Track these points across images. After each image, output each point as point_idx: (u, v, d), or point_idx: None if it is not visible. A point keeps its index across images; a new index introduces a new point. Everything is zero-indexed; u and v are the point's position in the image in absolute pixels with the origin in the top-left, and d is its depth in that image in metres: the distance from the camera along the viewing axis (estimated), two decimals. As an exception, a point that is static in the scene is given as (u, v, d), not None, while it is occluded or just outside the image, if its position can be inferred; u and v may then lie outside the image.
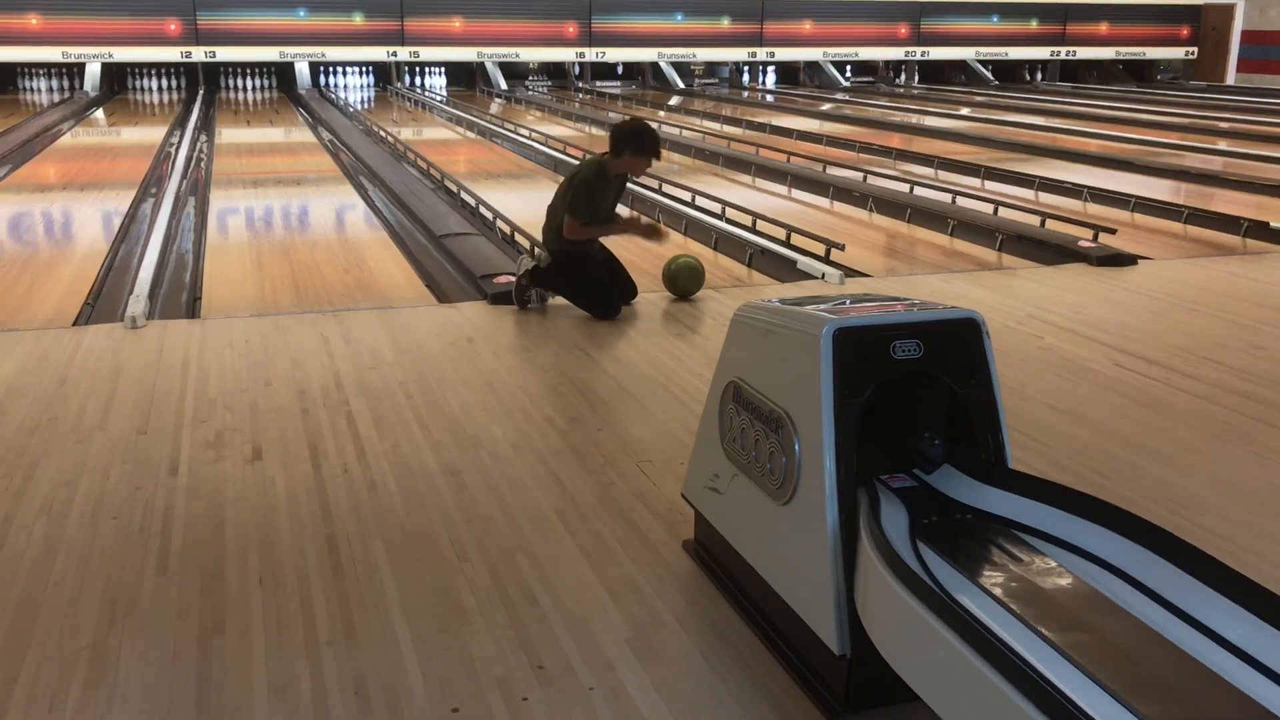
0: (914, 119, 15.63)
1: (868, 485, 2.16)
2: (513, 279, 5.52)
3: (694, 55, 20.73)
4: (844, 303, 2.52)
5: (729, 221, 7.37)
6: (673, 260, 5.47)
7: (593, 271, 5.16)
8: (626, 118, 5.20)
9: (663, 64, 20.38)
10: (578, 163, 5.41)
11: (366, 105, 17.42)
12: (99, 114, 15.83)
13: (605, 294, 5.10)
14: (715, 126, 14.14)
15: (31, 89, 18.26)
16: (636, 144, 4.95)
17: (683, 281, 5.39)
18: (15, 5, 17.24)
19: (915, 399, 2.33)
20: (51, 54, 17.68)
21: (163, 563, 2.74)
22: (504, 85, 19.59)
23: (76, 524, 2.95)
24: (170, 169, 10.10)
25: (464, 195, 8.48)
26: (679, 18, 20.16)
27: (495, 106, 17.33)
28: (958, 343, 2.26)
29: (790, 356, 2.26)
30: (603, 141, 12.40)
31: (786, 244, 6.68)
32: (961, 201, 8.10)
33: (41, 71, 18.24)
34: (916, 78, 22.48)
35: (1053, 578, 1.90)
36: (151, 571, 2.69)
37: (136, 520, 2.97)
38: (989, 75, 22.47)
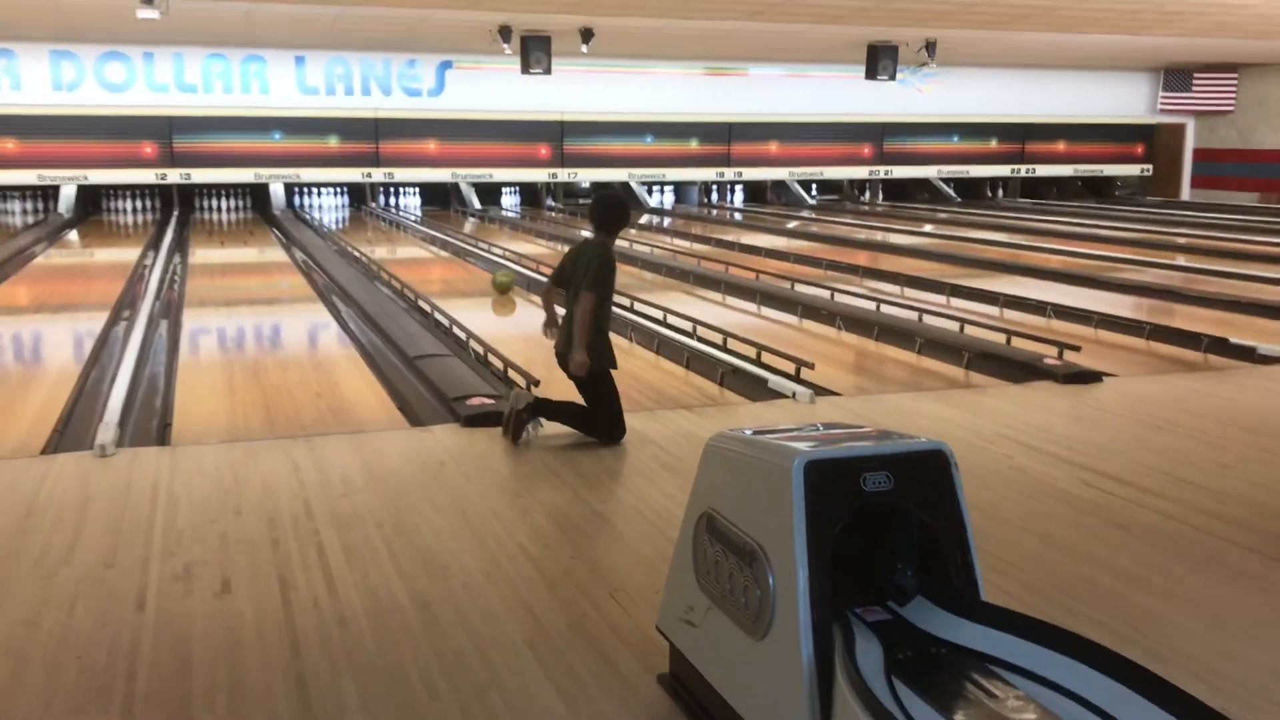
0: (879, 236, 15.96)
1: (842, 619, 2.17)
2: (486, 401, 5.54)
3: (664, 175, 21.17)
4: (814, 432, 2.56)
5: (700, 340, 7.45)
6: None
7: (612, 392, 5.05)
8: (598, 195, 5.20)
9: (633, 184, 20.78)
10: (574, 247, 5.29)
11: (341, 225, 17.61)
12: (73, 235, 15.92)
13: (618, 421, 5.04)
14: (685, 244, 14.38)
15: (5, 211, 18.35)
16: (614, 221, 5.03)
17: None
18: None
19: (886, 530, 2.35)
20: (26, 177, 17.83)
21: (128, 708, 2.68)
22: (478, 204, 19.90)
23: (39, 665, 2.89)
24: (144, 290, 10.13)
25: (437, 315, 8.54)
26: (649, 139, 20.64)
27: (469, 225, 17.58)
28: (927, 474, 2.29)
29: (762, 488, 2.29)
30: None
31: (757, 362, 6.75)
32: (928, 319, 8.24)
33: (15, 194, 18.36)
34: (881, 195, 23.02)
35: (1028, 714, 1.90)
36: (116, 718, 2.63)
37: (101, 660, 2.92)
38: (951, 192, 23.04)
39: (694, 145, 21.18)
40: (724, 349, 7.15)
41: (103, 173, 18.08)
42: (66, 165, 17.86)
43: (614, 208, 5.01)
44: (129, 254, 13.24)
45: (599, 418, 5.04)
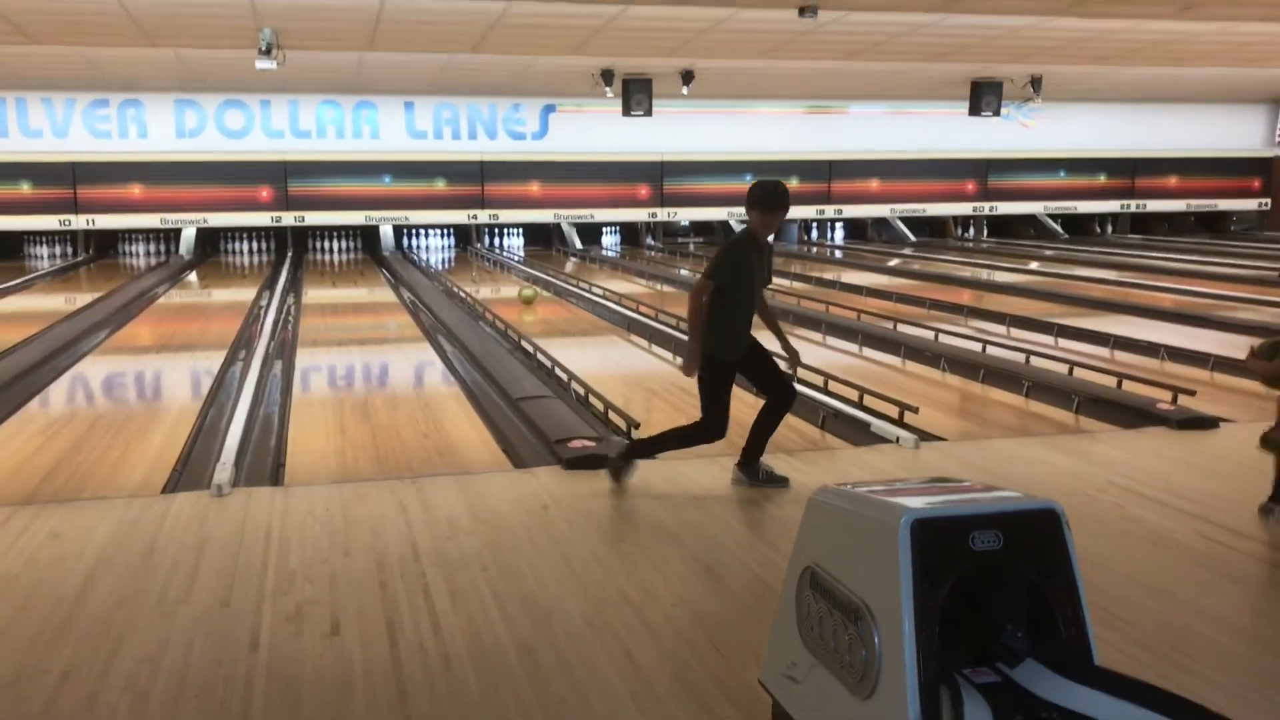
0: (984, 274, 15.69)
1: (949, 681, 2.12)
2: (587, 443, 5.58)
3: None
4: (920, 487, 2.52)
5: (801, 383, 7.39)
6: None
7: (727, 389, 4.94)
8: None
9: (732, 222, 20.82)
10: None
11: (447, 265, 18.00)
12: (193, 276, 16.55)
13: (723, 419, 4.88)
14: (785, 283, 14.32)
15: (131, 253, 19.20)
16: (761, 200, 4.81)
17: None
18: (120, 176, 18.29)
19: (996, 589, 2.29)
20: (150, 220, 18.63)
21: (242, 745, 2.75)
22: (579, 244, 20.13)
23: (160, 702, 2.98)
24: (259, 329, 10.47)
25: (540, 356, 8.65)
26: (748, 178, 20.68)
27: (570, 265, 17.79)
28: (1037, 533, 2.23)
29: (868, 545, 2.25)
30: (675, 299, 12.75)
31: (859, 405, 6.68)
32: (1035, 361, 8.05)
33: (140, 237, 19.20)
34: (985, 232, 22.66)
35: (1146, 787, 1.83)
36: (230, 754, 2.70)
37: (217, 699, 3.00)
38: (1058, 229, 22.56)
39: (794, 183, 21.13)
40: (825, 391, 7.09)
41: (221, 216, 18.80)
42: (188, 209, 18.63)
43: (761, 185, 4.84)
44: (245, 294, 13.71)
45: (702, 416, 4.90)
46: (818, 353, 8.95)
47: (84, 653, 3.31)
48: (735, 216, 20.79)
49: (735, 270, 4.84)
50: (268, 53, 12.18)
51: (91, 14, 10.64)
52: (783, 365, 5.22)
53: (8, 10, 10.37)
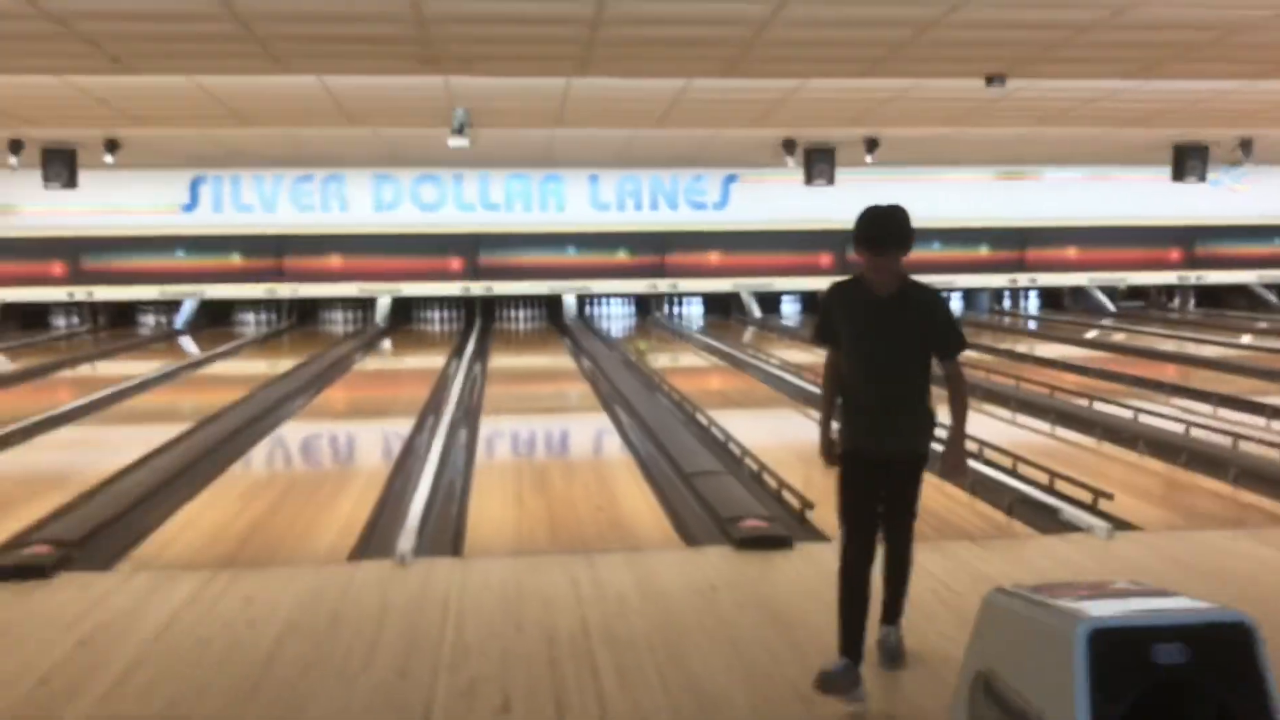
0: (1190, 348, 14.91)
1: (1130, 803, 2.02)
2: (759, 524, 5.57)
3: (952, 283, 20.76)
4: (1102, 591, 2.43)
5: (987, 462, 7.18)
6: None
7: (854, 490, 3.81)
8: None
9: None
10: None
11: (627, 333, 18.32)
12: (386, 343, 17.36)
13: (853, 531, 3.77)
14: (974, 355, 13.95)
15: (330, 320, 20.32)
16: (861, 237, 3.73)
17: None
18: (322, 248, 19.44)
19: (1181, 708, 2.17)
20: (349, 290, 19.68)
21: (411, 820, 2.84)
22: (758, 313, 20.17)
23: (337, 770, 3.12)
24: (447, 396, 10.87)
25: (714, 430, 8.68)
26: (936, 246, 20.36)
27: (748, 334, 17.83)
28: (1227, 648, 2.12)
29: (1044, 653, 2.19)
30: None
31: (1049, 490, 6.44)
32: (1245, 445, 7.59)
33: (339, 305, 20.32)
34: (1192, 302, 21.56)
35: None
36: (400, 828, 2.79)
37: (390, 770, 3.11)
38: (1274, 299, 21.25)
39: (984, 251, 20.68)
40: (1013, 473, 6.87)
41: (414, 285, 19.70)
42: (384, 279, 19.59)
43: (864, 215, 3.75)
44: (435, 361, 14.27)
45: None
46: (1006, 431, 8.68)
47: (271, 717, 3.49)
48: (920, 285, 20.49)
49: (827, 328, 3.88)
50: (460, 131, 12.79)
51: (300, 99, 11.44)
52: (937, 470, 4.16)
53: (226, 98, 11.28)
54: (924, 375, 3.82)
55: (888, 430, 3.75)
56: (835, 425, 3.93)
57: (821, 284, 20.88)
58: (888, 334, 3.75)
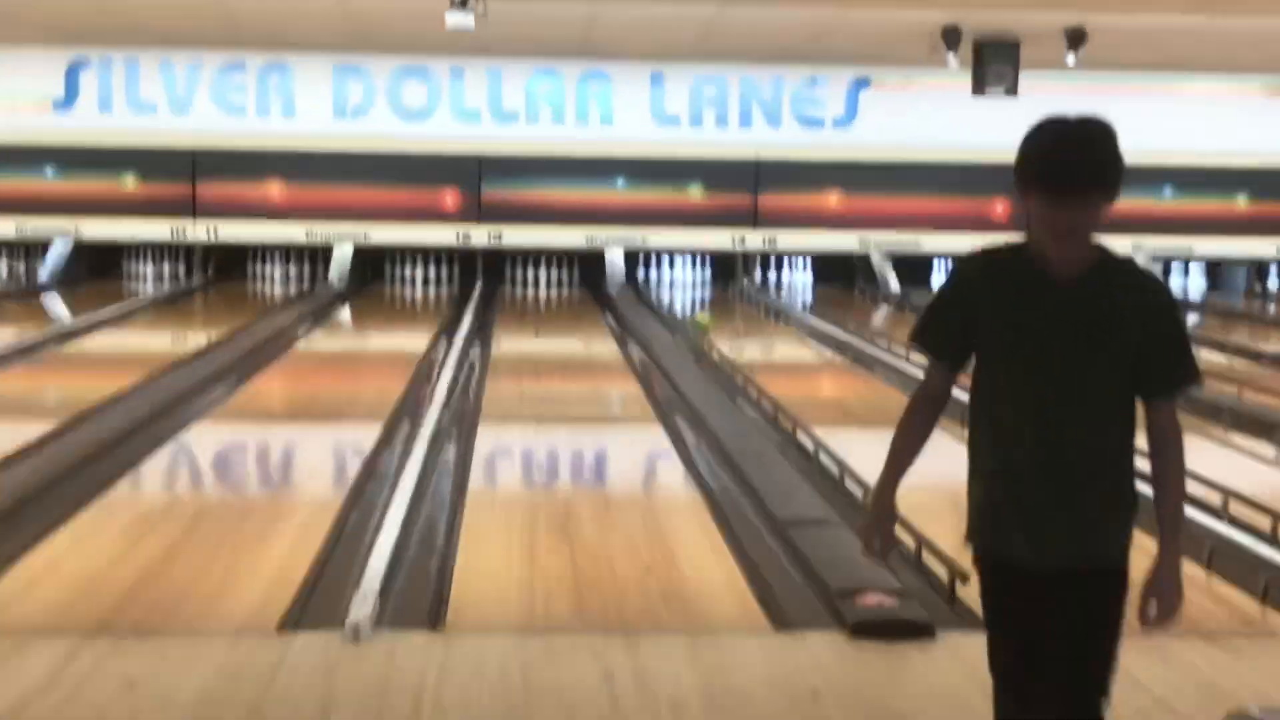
0: None
1: None
2: (885, 600, 5.54)
3: (1190, 248, 20.52)
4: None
5: (1233, 522, 7.08)
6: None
7: (1001, 609, 3.43)
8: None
9: (1140, 258, 20.26)
10: None
11: (699, 309, 18.32)
12: (345, 314, 17.52)
13: (1007, 670, 3.41)
14: (1218, 360, 13.74)
15: (263, 277, 20.50)
16: (1035, 168, 3.24)
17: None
18: (254, 169, 19.56)
19: None
20: (292, 232, 19.82)
21: None
22: (895, 285, 20.10)
23: None
24: (430, 394, 10.94)
25: (823, 456, 8.65)
26: (1167, 192, 20.13)
27: (880, 317, 17.77)
28: None
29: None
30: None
31: (1326, 566, 6.35)
32: None
33: (278, 255, 20.46)
34: None
35: None
36: None
37: None
38: None
39: (1242, 203, 20.42)
40: (1271, 540, 6.77)
41: (388, 229, 19.84)
42: (343, 218, 19.75)
43: (1037, 132, 3.25)
44: (416, 342, 14.35)
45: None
46: (1263, 477, 8.57)
47: None
48: (1146, 250, 20.24)
49: (947, 326, 3.45)
50: (463, 3, 12.87)
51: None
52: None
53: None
54: (1127, 426, 3.26)
55: (1058, 523, 3.21)
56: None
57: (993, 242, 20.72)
58: (1071, 349, 3.22)
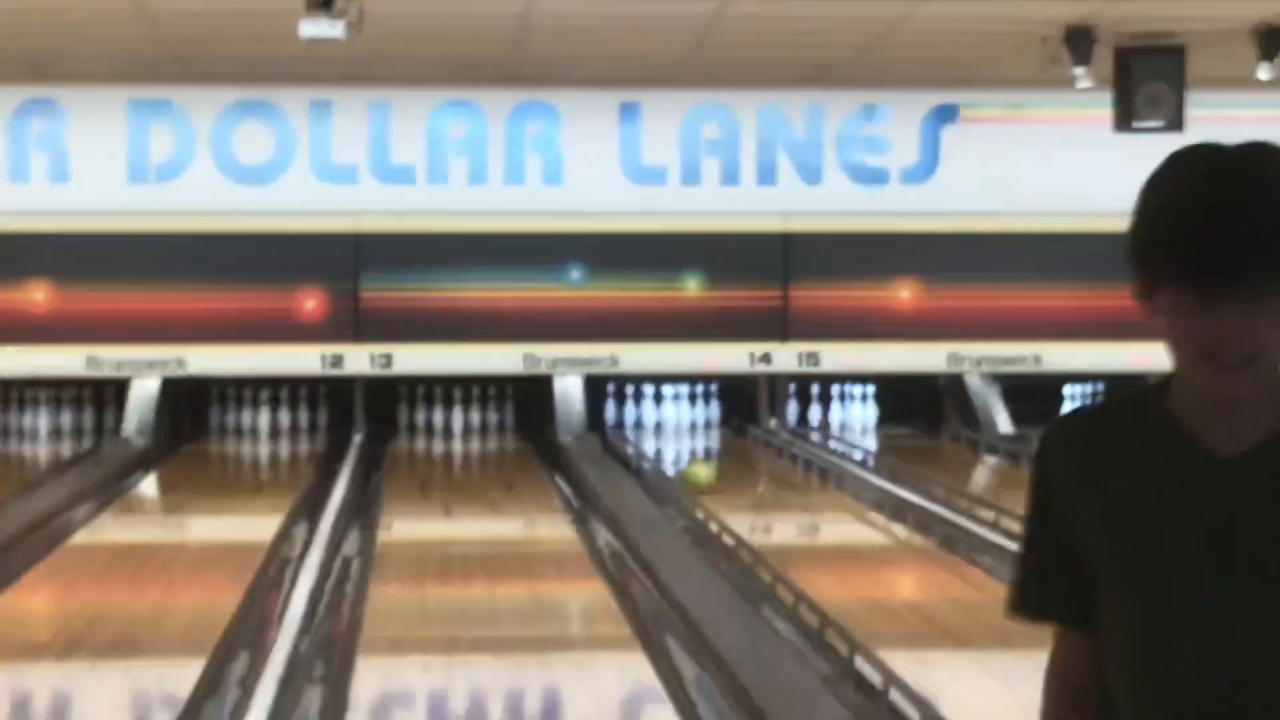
0: None
1: None
2: None
3: None
4: None
5: None
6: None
7: None
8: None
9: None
10: None
11: (697, 460, 18.30)
12: (147, 486, 17.43)
13: None
14: None
15: (26, 432, 20.40)
16: (1144, 228, 2.90)
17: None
18: (15, 266, 19.48)
19: None
20: (67, 361, 19.73)
21: None
22: (1006, 425, 20.11)
23: None
24: (278, 610, 10.89)
25: (894, 695, 8.59)
26: None
27: (983, 474, 17.78)
28: None
29: None
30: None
31: None
32: None
33: (43, 397, 20.38)
34: None
35: None
36: None
37: None
38: None
39: None
40: None
41: (214, 353, 19.81)
42: (143, 337, 19.73)
43: (1172, 171, 2.89)
44: (257, 527, 14.27)
45: None
46: None
47: None
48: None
49: (1048, 560, 3.14)
50: (327, 5, 12.92)
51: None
52: None
53: None
54: None
55: None
56: None
57: (1149, 357, 20.70)
58: (1245, 578, 2.85)
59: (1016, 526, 12.80)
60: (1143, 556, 2.85)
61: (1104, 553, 2.91)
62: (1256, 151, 2.82)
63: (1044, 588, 3.06)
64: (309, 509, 15.08)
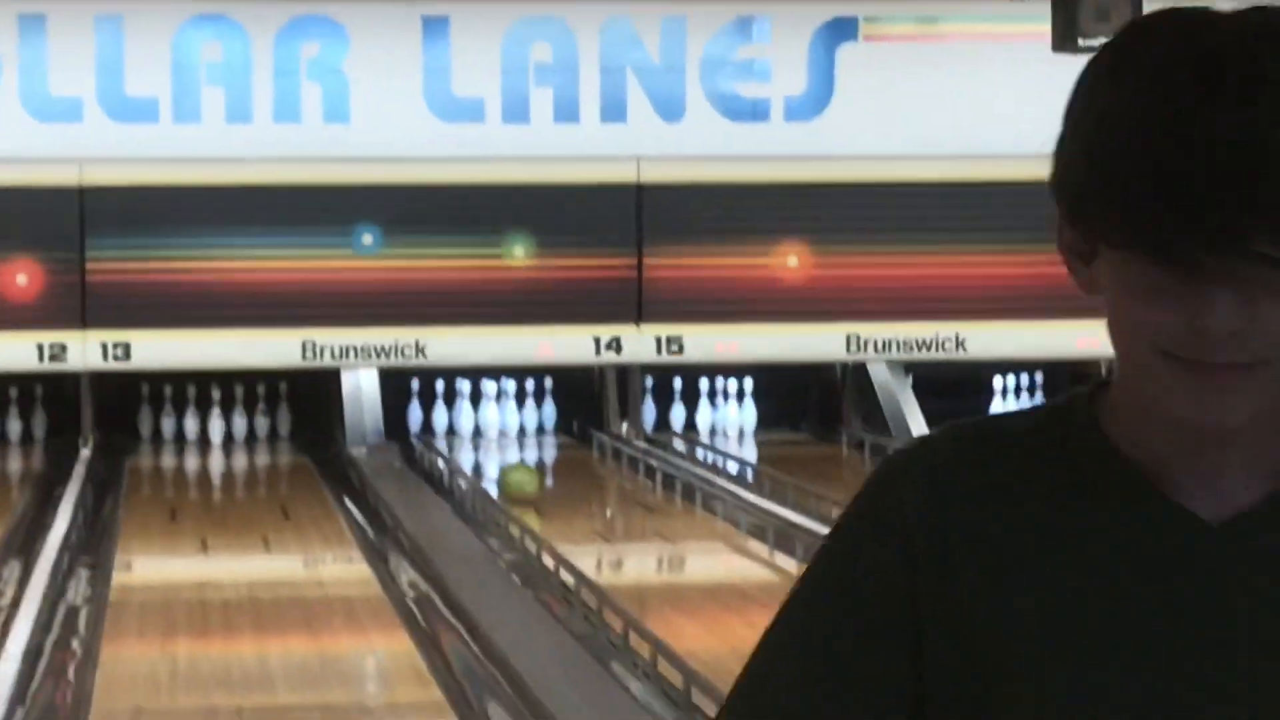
0: None
1: None
2: None
3: None
4: None
5: None
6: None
7: None
8: None
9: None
10: None
11: (514, 465, 18.31)
12: None
13: None
14: None
15: None
16: (1095, 176, 2.57)
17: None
18: None
19: None
20: None
21: None
22: (922, 429, 20.21)
23: None
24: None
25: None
26: None
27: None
28: None
29: None
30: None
31: None
32: None
33: None
34: None
35: None
36: None
37: None
38: None
39: None
40: None
41: None
42: None
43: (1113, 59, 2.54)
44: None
45: None
46: None
47: None
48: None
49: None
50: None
51: None
52: None
53: None
54: None
55: None
56: None
57: (1100, 338, 20.65)
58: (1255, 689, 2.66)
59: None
60: (1082, 667, 2.36)
61: (1006, 664, 2.35)
62: (1274, 24, 2.19)
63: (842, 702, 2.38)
64: (22, 544, 14.96)
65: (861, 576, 2.36)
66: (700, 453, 20.11)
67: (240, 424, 20.36)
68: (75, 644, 11.89)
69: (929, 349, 20.39)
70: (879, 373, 20.50)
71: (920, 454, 2.46)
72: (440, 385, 20.77)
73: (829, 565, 2.46)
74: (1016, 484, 2.39)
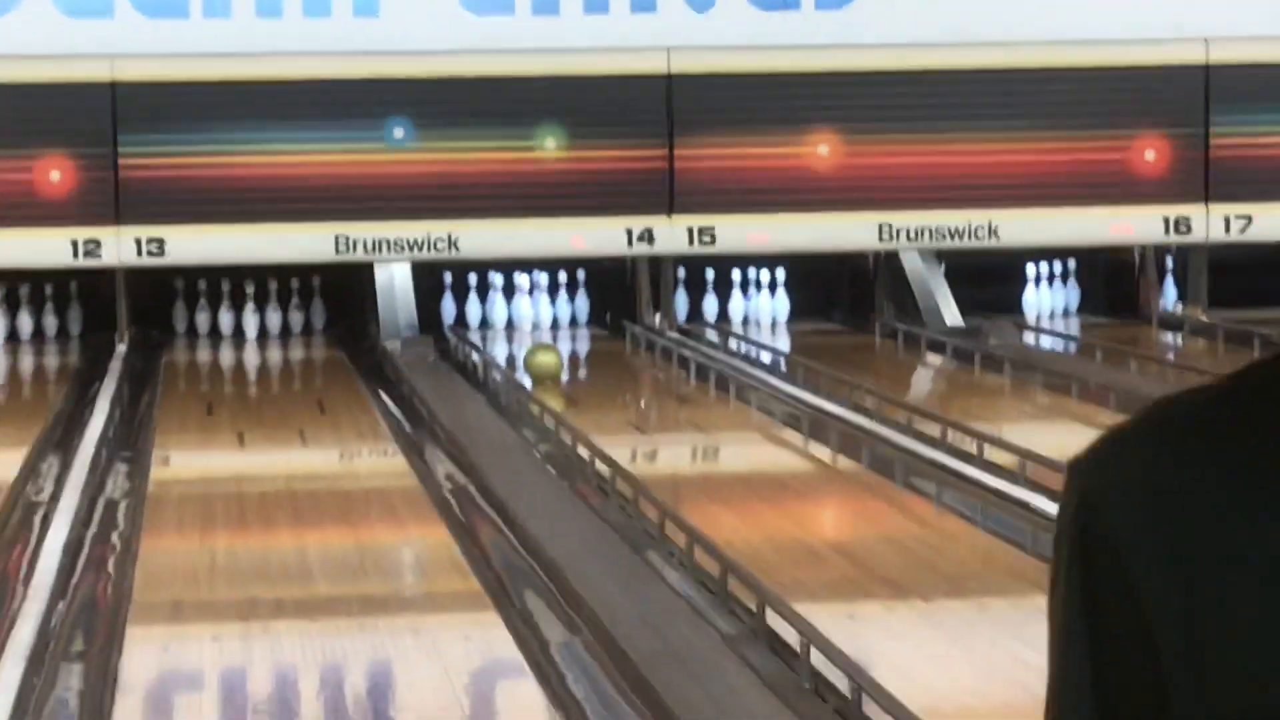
0: None
1: None
2: None
3: None
4: None
5: None
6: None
7: None
8: None
9: None
10: None
11: (538, 347, 18.32)
12: None
13: None
14: None
15: None
16: None
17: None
18: None
19: None
20: None
21: None
22: (954, 317, 20.18)
23: None
24: (25, 569, 10.82)
25: (815, 658, 8.63)
26: None
27: (926, 377, 17.87)
28: None
29: None
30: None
31: None
32: None
33: None
34: None
35: None
36: None
37: None
38: None
39: None
40: None
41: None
42: None
43: None
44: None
45: None
46: None
47: None
48: None
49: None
50: None
51: None
52: None
53: None
54: None
55: None
56: None
57: (1133, 225, 20.66)
58: None
59: (968, 443, 12.97)
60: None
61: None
62: None
63: None
64: (60, 440, 15.06)
65: (1094, 612, 1.93)
66: (733, 343, 20.25)
67: (274, 318, 20.41)
68: (114, 538, 11.94)
69: (961, 237, 20.34)
70: (911, 261, 20.49)
71: (1125, 464, 1.92)
72: (473, 278, 20.79)
73: (1072, 602, 2.01)
74: (1244, 486, 1.95)
